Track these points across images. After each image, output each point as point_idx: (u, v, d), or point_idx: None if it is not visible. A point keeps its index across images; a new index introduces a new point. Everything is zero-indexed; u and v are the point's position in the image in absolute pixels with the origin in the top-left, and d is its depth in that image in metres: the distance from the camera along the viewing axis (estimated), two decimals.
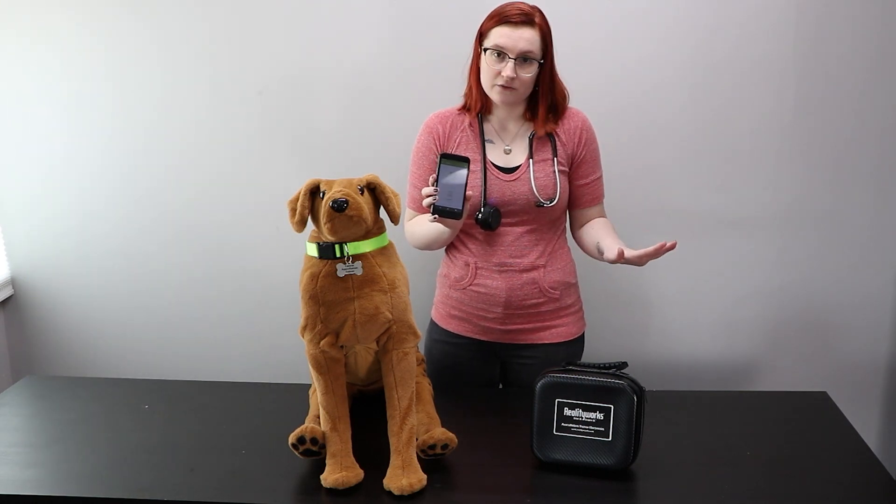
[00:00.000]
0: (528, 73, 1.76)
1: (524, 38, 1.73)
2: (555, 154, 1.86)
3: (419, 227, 1.90)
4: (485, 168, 1.86)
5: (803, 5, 2.16)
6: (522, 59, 1.74)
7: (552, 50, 1.80)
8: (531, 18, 1.74)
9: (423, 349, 2.05)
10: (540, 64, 1.77)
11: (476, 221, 1.85)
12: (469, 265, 1.92)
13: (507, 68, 1.74)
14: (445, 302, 2.00)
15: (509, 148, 1.89)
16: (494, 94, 1.80)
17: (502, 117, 1.88)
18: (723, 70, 2.22)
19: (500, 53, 1.75)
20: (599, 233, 1.89)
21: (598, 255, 1.85)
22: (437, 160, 1.66)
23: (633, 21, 2.20)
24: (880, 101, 2.22)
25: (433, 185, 1.65)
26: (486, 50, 1.77)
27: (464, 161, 1.64)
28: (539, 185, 1.84)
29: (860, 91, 2.21)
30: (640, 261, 1.70)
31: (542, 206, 1.84)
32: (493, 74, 1.77)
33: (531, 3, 1.79)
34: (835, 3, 2.15)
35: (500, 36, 1.75)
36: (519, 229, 1.87)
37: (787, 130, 2.25)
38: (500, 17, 1.76)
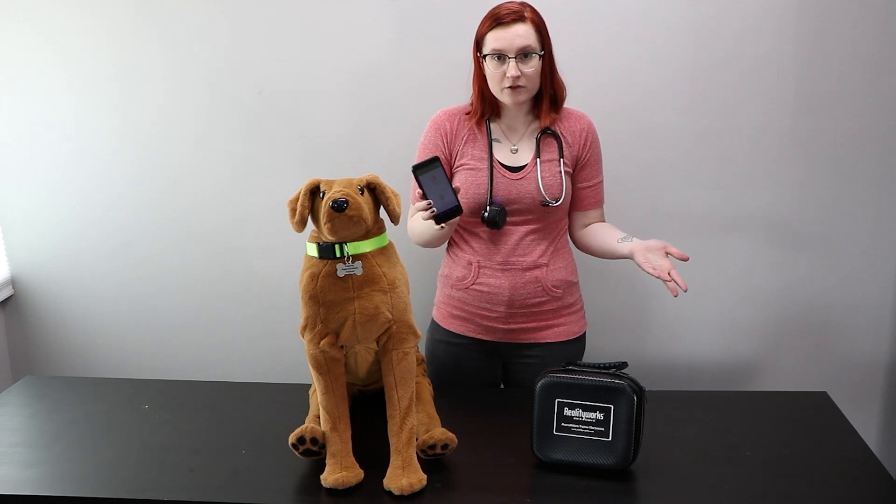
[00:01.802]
0: (531, 67, 1.77)
1: (518, 34, 1.75)
2: (561, 155, 1.86)
3: (421, 224, 1.91)
4: (491, 167, 1.86)
5: (804, 5, 2.16)
6: (523, 55, 1.75)
7: (549, 41, 1.81)
8: (521, 14, 1.76)
9: (425, 350, 2.05)
10: (541, 56, 1.78)
11: (482, 220, 1.85)
12: (472, 264, 1.92)
13: (511, 68, 1.75)
14: (447, 302, 2.00)
15: (516, 147, 1.89)
16: (505, 97, 1.81)
17: (510, 117, 1.89)
18: (723, 70, 2.22)
19: (500, 56, 1.76)
20: (612, 230, 1.93)
21: (613, 250, 1.88)
22: (414, 176, 1.63)
23: (633, 22, 2.20)
24: (881, 101, 2.22)
25: (424, 200, 1.63)
26: (485, 56, 1.79)
27: (434, 161, 1.63)
28: (546, 184, 1.85)
29: (861, 91, 2.21)
30: (649, 253, 1.76)
31: (548, 205, 1.85)
32: (499, 78, 1.78)
33: (518, 1, 1.80)
34: (835, 4, 2.15)
35: (496, 39, 1.76)
36: (523, 228, 1.87)
37: (787, 131, 2.25)
38: (491, 21, 1.77)
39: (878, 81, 2.20)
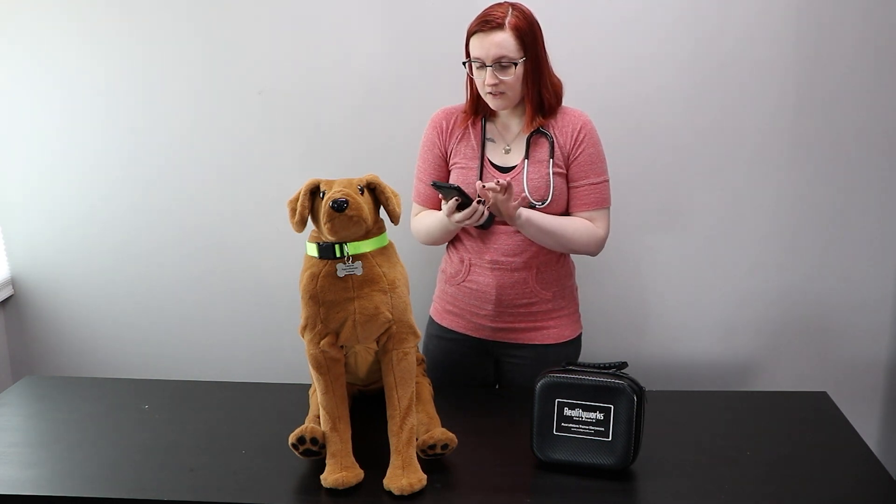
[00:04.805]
0: (509, 76, 1.77)
1: (495, 43, 1.74)
2: (552, 156, 1.86)
3: (427, 219, 1.93)
4: (481, 166, 1.87)
5: (805, 6, 2.16)
6: (499, 64, 1.75)
7: (537, 46, 1.79)
8: (500, 23, 1.74)
9: (421, 345, 2.05)
10: (524, 63, 1.77)
11: None
12: (464, 261, 1.93)
13: (488, 76, 1.77)
14: (442, 297, 2.02)
15: (509, 147, 1.89)
16: (489, 101, 1.83)
17: (504, 117, 1.89)
18: (724, 71, 2.22)
19: (479, 63, 1.77)
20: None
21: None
22: (435, 188, 1.75)
23: (634, 21, 2.20)
24: (881, 102, 2.21)
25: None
26: (467, 62, 1.81)
27: (452, 189, 1.72)
28: (532, 185, 1.84)
29: (861, 92, 2.21)
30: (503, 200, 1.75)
31: (534, 206, 1.84)
32: (480, 83, 1.80)
33: (509, 1, 1.79)
34: (836, 4, 2.15)
35: (474, 47, 1.78)
36: (513, 228, 1.87)
37: (787, 131, 2.25)
38: (472, 27, 1.79)
39: (880, 82, 2.20)
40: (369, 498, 1.46)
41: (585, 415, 1.52)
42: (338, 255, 1.47)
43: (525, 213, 1.79)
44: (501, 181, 1.72)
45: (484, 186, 1.72)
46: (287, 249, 2.24)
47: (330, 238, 1.47)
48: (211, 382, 2.03)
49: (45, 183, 2.44)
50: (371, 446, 1.57)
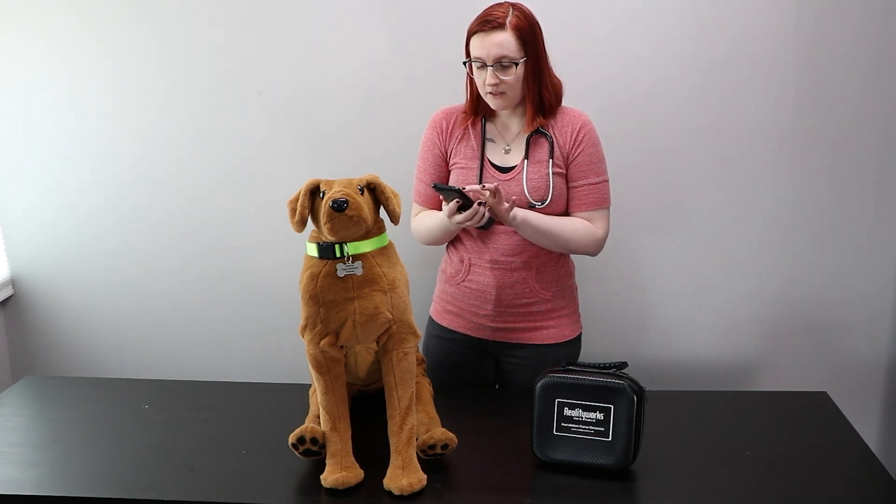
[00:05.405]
0: (510, 76, 1.76)
1: (496, 43, 1.74)
2: (551, 156, 1.86)
3: (427, 219, 1.93)
4: (482, 166, 1.87)
5: (804, 5, 2.16)
6: (500, 64, 1.75)
7: (538, 46, 1.79)
8: (501, 22, 1.74)
9: (421, 345, 2.05)
10: (525, 63, 1.77)
11: None
12: (464, 261, 1.93)
13: (488, 76, 1.76)
14: (442, 297, 2.02)
15: (509, 147, 1.89)
16: (489, 101, 1.83)
17: (504, 117, 1.89)
18: (723, 69, 2.22)
19: (480, 63, 1.77)
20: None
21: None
22: (436, 190, 1.74)
23: (634, 21, 2.20)
24: (880, 101, 2.22)
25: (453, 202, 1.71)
26: (468, 61, 1.81)
27: (453, 191, 1.70)
28: (531, 185, 1.84)
29: (860, 90, 2.21)
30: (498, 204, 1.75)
31: (534, 206, 1.84)
32: (481, 83, 1.80)
33: (509, 1, 1.79)
34: (835, 3, 2.15)
35: (475, 46, 1.77)
36: (513, 228, 1.87)
37: (786, 130, 2.25)
38: (473, 27, 1.78)
39: (878, 81, 2.20)
40: (369, 498, 1.46)
41: (585, 415, 1.52)
42: (338, 255, 1.47)
43: (521, 214, 1.79)
44: (489, 185, 1.72)
45: (464, 189, 1.72)
46: (287, 249, 2.24)
47: (330, 238, 1.47)
48: (211, 382, 2.03)
49: (45, 183, 2.44)
50: (371, 446, 1.57)
